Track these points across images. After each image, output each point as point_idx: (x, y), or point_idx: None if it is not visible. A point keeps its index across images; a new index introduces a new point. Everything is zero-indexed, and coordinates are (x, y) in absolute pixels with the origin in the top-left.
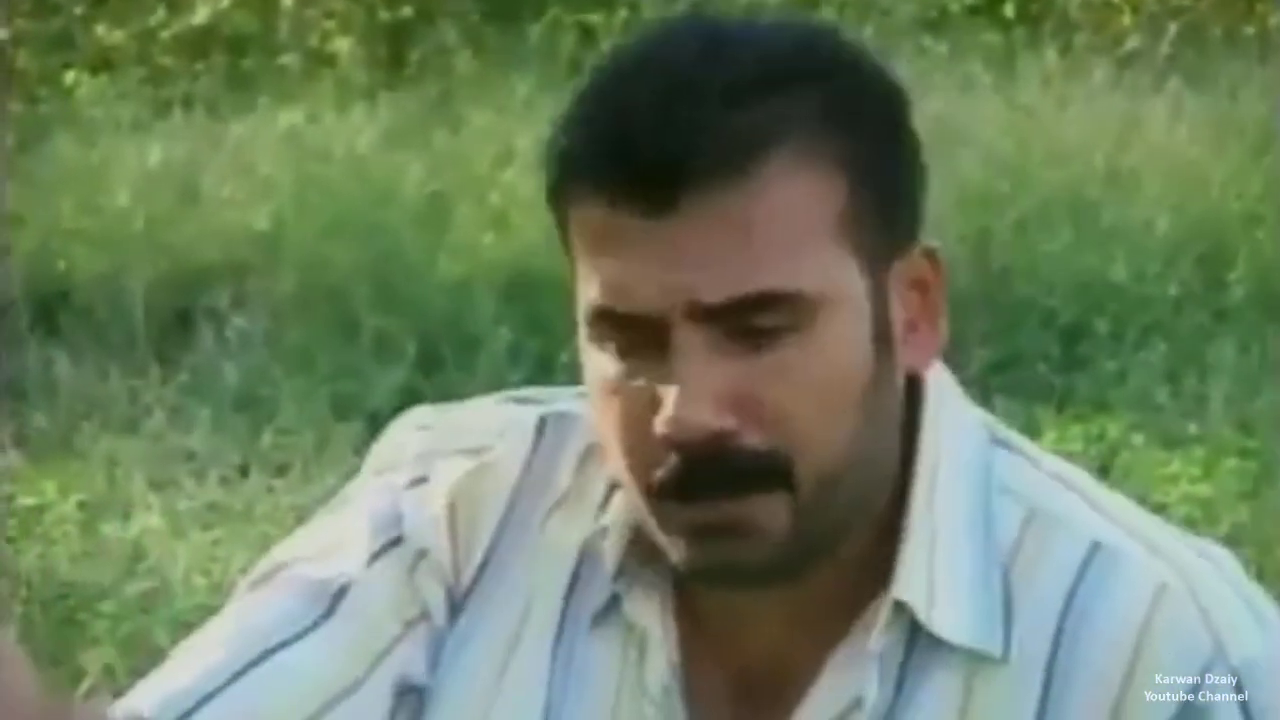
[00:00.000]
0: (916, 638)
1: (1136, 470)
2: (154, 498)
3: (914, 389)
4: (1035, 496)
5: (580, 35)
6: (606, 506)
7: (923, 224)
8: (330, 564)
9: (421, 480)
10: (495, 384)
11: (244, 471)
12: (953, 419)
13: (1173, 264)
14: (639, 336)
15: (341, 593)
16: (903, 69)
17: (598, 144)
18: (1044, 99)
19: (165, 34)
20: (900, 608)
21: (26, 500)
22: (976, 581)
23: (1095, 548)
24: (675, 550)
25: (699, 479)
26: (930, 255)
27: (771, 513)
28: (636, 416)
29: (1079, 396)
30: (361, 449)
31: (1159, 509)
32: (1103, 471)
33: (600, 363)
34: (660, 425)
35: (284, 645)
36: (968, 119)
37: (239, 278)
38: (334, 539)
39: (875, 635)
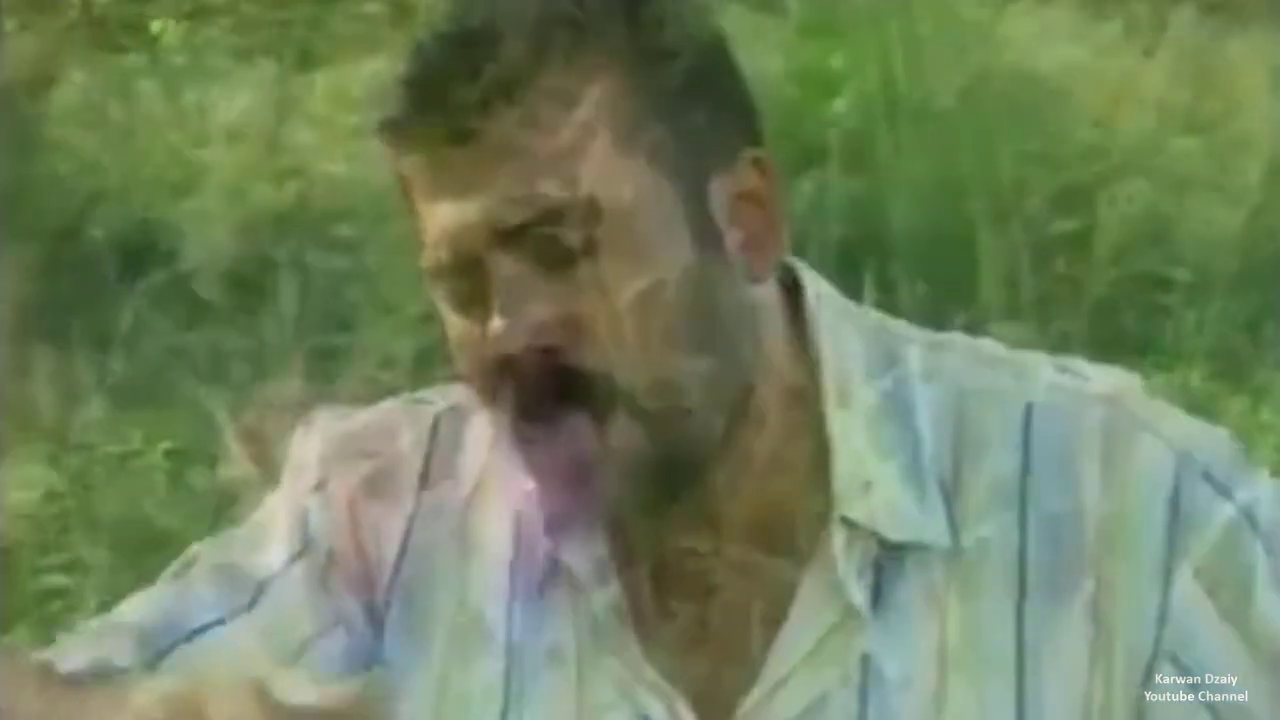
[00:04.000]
0: (878, 545)
1: (1218, 420)
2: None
3: (796, 302)
4: (960, 377)
5: None
6: None
7: (751, 135)
8: (251, 558)
9: (322, 485)
10: None
11: None
12: (849, 324)
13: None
14: (465, 277)
15: (262, 587)
16: (980, 16)
17: (398, 96)
18: (1128, 47)
19: None
20: (851, 522)
21: (112, 449)
22: (910, 478)
23: (1030, 409)
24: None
25: (534, 399)
26: (759, 164)
27: (622, 437)
28: (476, 353)
29: (1161, 345)
30: None
31: None
32: None
33: (446, 316)
34: (486, 358)
35: (207, 628)
36: (1049, 68)
37: (323, 226)
38: (253, 536)
39: (839, 556)
